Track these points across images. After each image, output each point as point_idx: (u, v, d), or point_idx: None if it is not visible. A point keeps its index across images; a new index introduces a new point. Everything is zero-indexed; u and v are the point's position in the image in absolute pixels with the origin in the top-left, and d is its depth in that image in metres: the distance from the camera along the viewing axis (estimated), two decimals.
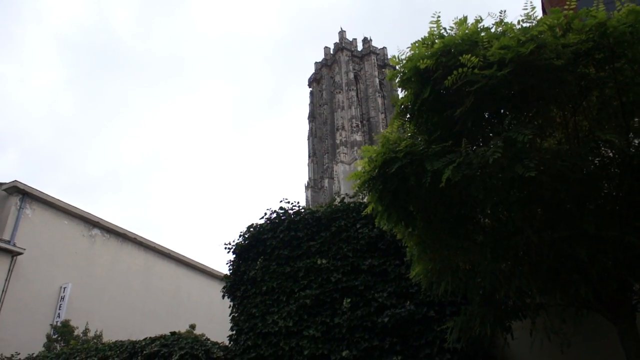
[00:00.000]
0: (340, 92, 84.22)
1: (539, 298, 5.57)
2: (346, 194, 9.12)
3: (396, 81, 5.13)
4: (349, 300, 8.06)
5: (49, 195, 23.34)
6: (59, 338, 18.35)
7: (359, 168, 5.14)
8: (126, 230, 26.79)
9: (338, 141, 78.07)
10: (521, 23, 4.83)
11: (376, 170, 4.93)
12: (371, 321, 7.92)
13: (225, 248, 9.50)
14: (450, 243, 5.73)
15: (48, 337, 18.48)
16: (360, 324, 7.96)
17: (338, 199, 9.25)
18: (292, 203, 9.34)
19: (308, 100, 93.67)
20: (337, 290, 8.28)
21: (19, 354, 9.64)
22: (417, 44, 4.93)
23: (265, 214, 9.42)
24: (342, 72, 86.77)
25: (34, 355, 8.85)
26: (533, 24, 4.73)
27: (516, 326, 6.08)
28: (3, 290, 20.31)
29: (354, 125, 78.99)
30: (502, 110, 4.90)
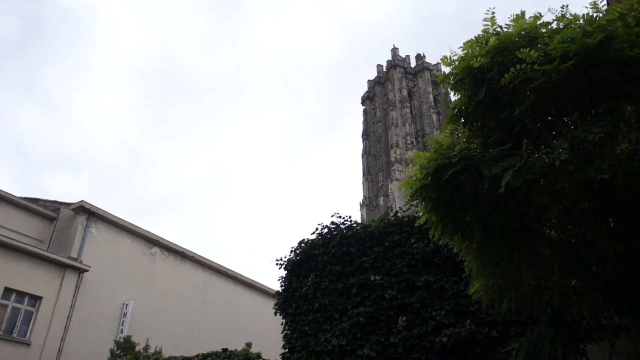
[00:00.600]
0: (393, 110, 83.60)
1: (617, 318, 5.01)
2: (399, 207, 8.80)
3: (448, 83, 4.83)
4: (404, 318, 7.68)
5: (112, 215, 24.28)
6: (122, 353, 18.79)
7: (410, 176, 4.85)
8: (184, 249, 27.42)
9: (392, 159, 77.24)
10: (586, 16, 4.42)
11: (429, 178, 4.63)
12: (429, 341, 7.50)
13: (277, 264, 9.37)
14: (512, 256, 5.29)
15: (112, 352, 18.99)
16: (417, 343, 7.56)
17: (391, 213, 8.94)
18: (343, 218, 9.11)
19: (361, 119, 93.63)
20: (392, 307, 7.92)
21: None
22: (469, 43, 4.62)
23: (317, 229, 9.24)
24: (396, 89, 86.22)
25: None
26: (600, 16, 4.31)
27: (592, 349, 5.50)
28: (71, 306, 21.16)
29: (409, 142, 77.97)
30: (566, 109, 4.47)
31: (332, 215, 9.24)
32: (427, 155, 4.68)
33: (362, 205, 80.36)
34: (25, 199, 24.37)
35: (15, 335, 19.17)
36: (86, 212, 23.24)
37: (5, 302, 19.16)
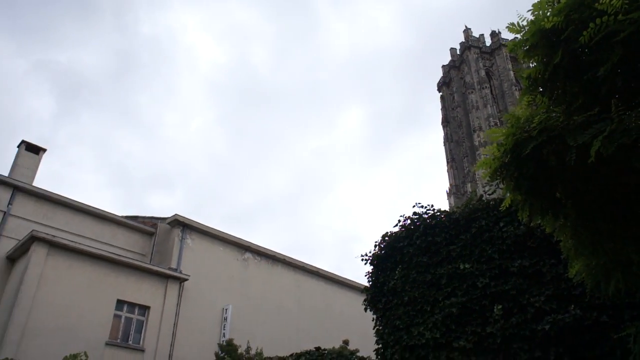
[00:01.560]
0: (472, 92, 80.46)
1: None
2: (484, 191, 8.37)
3: (520, 52, 4.47)
4: (500, 306, 7.28)
5: (204, 225, 25.49)
6: (225, 356, 19.62)
7: (487, 155, 4.54)
8: (275, 252, 28.14)
9: (476, 143, 74.30)
10: None
11: (508, 156, 4.30)
12: (529, 329, 7.04)
13: (362, 259, 9.29)
14: (615, 232, 4.80)
15: (216, 355, 19.90)
16: (516, 332, 7.13)
17: (475, 198, 8.53)
18: (425, 207, 8.82)
19: (439, 106, 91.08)
20: (486, 296, 7.53)
21: None
22: (539, 4, 4.24)
23: (399, 221, 9.04)
24: (472, 71, 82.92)
25: None
26: None
27: None
28: (176, 314, 22.48)
29: (492, 124, 74.60)
30: None
31: (414, 206, 8.99)
32: (503, 131, 4.36)
33: (449, 194, 78.16)
34: (126, 217, 26.25)
35: (130, 342, 20.69)
36: (180, 224, 24.58)
37: (119, 312, 20.75)
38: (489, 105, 77.68)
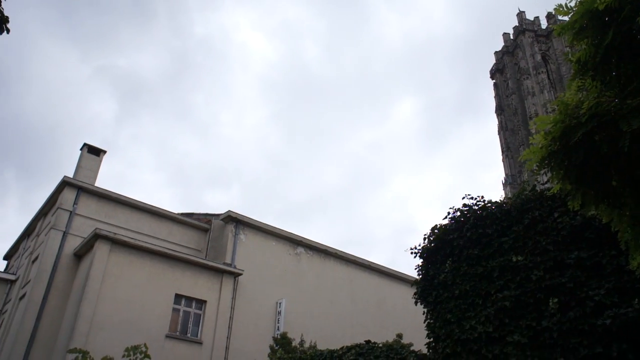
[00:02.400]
0: (527, 78, 77.42)
1: None
2: (537, 181, 8.06)
3: (568, 34, 4.27)
4: (556, 300, 7.02)
5: (256, 221, 25.98)
6: (280, 349, 19.97)
7: (535, 144, 4.38)
8: (327, 247, 28.30)
9: (533, 131, 71.61)
10: None
11: (556, 143, 4.13)
12: (588, 324, 6.75)
13: (412, 252, 9.20)
14: None
15: (271, 348, 20.29)
16: (574, 327, 6.85)
17: (528, 188, 8.23)
18: (476, 198, 8.61)
19: (492, 93, 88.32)
20: (540, 289, 7.28)
21: None
22: None
23: (449, 213, 8.87)
24: (527, 55, 79.76)
25: None
26: None
27: None
28: (231, 307, 23.09)
29: (549, 110, 71.56)
30: None
31: (464, 198, 8.79)
32: (551, 119, 4.19)
33: (504, 184, 75.78)
34: (182, 214, 27.15)
35: (189, 335, 21.45)
36: (233, 220, 25.18)
37: (177, 306, 21.54)
38: (545, 91, 74.58)
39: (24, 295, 22.45)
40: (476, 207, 8.52)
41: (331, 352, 8.16)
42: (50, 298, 21.21)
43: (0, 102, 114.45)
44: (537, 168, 4.39)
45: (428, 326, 8.53)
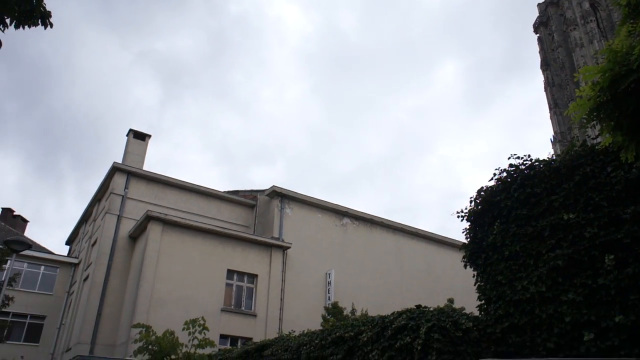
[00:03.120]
0: (574, 29, 73.46)
1: None
2: (587, 136, 7.74)
3: None
4: (611, 256, 6.79)
5: (301, 194, 26.24)
6: (332, 318, 20.37)
7: (582, 97, 4.17)
8: (373, 216, 28.34)
9: (582, 83, 68.30)
10: None
11: (605, 94, 3.93)
12: None
13: (458, 216, 9.07)
14: None
15: (323, 317, 20.72)
16: (633, 284, 6.63)
17: (578, 144, 7.91)
18: (522, 158, 8.36)
19: (537, 48, 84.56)
20: (595, 246, 7.05)
21: (294, 331, 10.93)
22: None
23: (495, 174, 8.65)
24: (574, 4, 75.53)
25: (305, 332, 9.88)
26: None
27: None
28: (282, 280, 23.64)
29: (600, 62, 67.91)
30: None
31: (509, 158, 8.55)
32: (598, 68, 3.98)
33: (553, 142, 73.13)
34: (228, 192, 27.75)
35: (243, 308, 22.19)
36: (278, 195, 25.54)
37: (230, 281, 22.27)
38: (595, 41, 70.69)
39: (87, 277, 23.74)
40: (523, 167, 8.28)
41: (382, 317, 8.24)
42: (111, 278, 22.35)
43: (50, 95, 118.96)
44: (585, 121, 4.21)
45: (479, 288, 8.46)
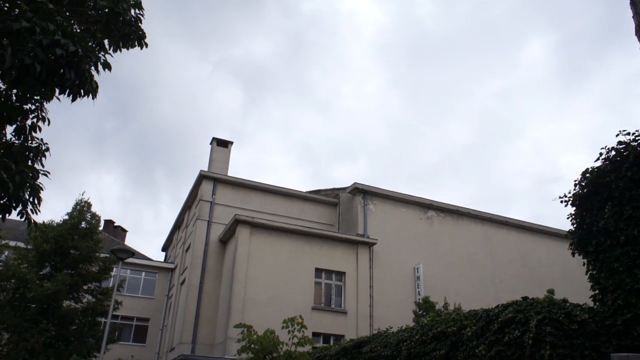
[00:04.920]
0: None
1: None
2: None
3: None
4: None
5: (383, 189, 25.99)
6: (423, 313, 19.96)
7: None
8: (459, 207, 27.50)
9: None
10: None
11: None
12: None
13: (561, 201, 8.47)
14: None
15: (415, 312, 20.36)
16: None
17: None
18: (633, 134, 7.64)
19: (630, 13, 77.92)
20: None
21: (391, 327, 10.78)
22: None
23: (601, 154, 7.98)
24: None
25: (404, 328, 9.69)
26: None
27: None
28: (370, 277, 23.53)
29: None
30: None
31: (618, 135, 7.84)
32: None
33: None
34: (310, 192, 28.08)
35: (333, 306, 22.33)
36: (361, 192, 25.45)
37: (318, 280, 22.50)
38: None
39: (183, 281, 25.00)
40: (635, 143, 7.57)
41: (486, 311, 7.87)
42: (206, 281, 23.37)
43: (142, 110, 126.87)
44: None
45: (591, 277, 7.85)
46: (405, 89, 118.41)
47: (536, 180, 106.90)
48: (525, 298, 7.61)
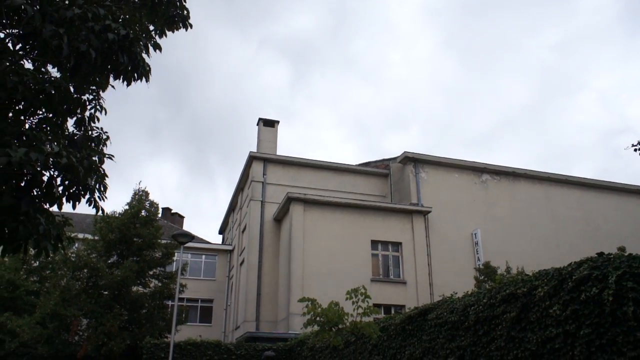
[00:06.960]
0: None
1: None
2: None
3: None
4: None
5: (434, 156, 25.46)
6: (485, 279, 19.58)
7: None
8: (515, 168, 26.64)
9: None
10: None
11: None
12: None
13: (635, 149, 7.97)
14: None
15: (476, 278, 20.01)
16: None
17: None
18: None
19: None
20: None
21: (456, 293, 10.59)
22: None
23: None
24: None
25: (470, 293, 9.48)
26: None
27: None
28: (427, 245, 23.26)
29: None
30: None
31: None
32: None
33: None
34: (360, 164, 27.90)
35: (391, 277, 22.28)
36: (411, 160, 25.03)
37: (375, 252, 22.45)
38: None
39: (243, 261, 25.59)
40: None
41: (558, 270, 7.55)
42: (264, 260, 23.82)
43: (193, 97, 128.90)
44: None
45: None
46: (457, 51, 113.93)
47: (601, 134, 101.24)
48: (600, 254, 7.23)
